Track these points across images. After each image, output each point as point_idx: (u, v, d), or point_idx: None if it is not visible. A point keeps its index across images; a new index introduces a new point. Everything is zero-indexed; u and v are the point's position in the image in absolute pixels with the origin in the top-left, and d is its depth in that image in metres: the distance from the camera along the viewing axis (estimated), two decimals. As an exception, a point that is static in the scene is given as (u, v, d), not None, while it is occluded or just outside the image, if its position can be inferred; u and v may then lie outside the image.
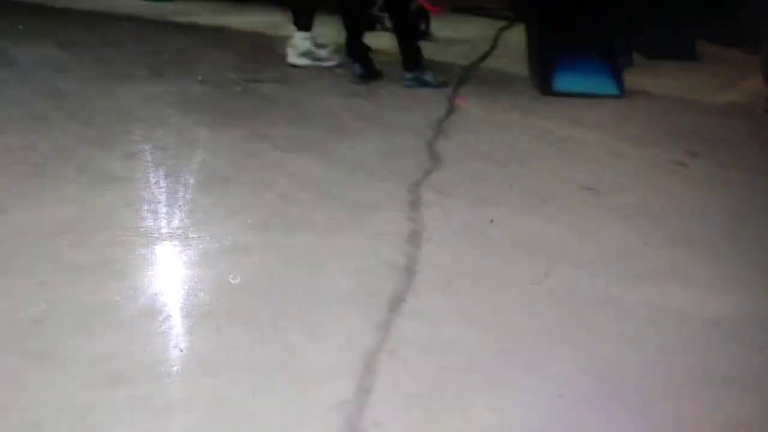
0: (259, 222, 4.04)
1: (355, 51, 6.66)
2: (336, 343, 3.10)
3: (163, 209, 4.04)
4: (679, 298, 3.68)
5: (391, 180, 4.68)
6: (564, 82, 6.73)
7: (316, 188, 4.51)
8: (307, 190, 4.47)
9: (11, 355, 2.90)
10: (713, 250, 4.16)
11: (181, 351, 3.01)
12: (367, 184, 4.63)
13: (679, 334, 3.40)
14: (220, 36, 7.71)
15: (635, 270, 3.90)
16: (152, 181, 4.37)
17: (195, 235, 3.81)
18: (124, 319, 3.16)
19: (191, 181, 4.39)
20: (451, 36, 8.38)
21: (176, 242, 3.76)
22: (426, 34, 8.05)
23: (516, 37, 8.35)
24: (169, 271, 3.61)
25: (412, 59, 6.59)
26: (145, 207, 4.05)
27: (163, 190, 4.26)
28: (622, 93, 6.84)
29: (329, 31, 7.13)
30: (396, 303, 3.40)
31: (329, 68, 6.87)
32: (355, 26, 6.69)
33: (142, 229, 3.82)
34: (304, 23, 6.89)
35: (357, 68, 6.61)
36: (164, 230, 3.84)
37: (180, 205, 4.09)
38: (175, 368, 2.91)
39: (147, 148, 4.82)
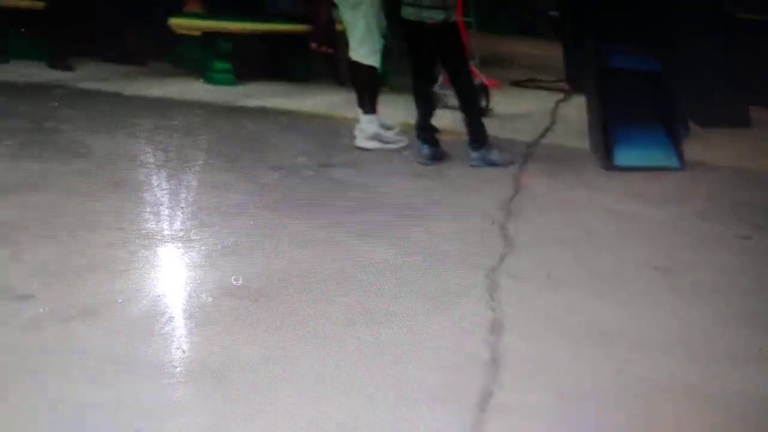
0: (342, 314, 4.03)
1: (423, 132, 6.66)
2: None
3: (250, 304, 4.06)
4: (764, 381, 3.61)
5: (467, 266, 4.66)
6: (625, 156, 6.68)
7: (394, 276, 4.50)
8: (385, 279, 4.46)
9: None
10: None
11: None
12: (444, 270, 4.62)
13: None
14: (288, 120, 7.74)
15: (714, 353, 3.84)
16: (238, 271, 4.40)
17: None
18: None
19: (276, 273, 4.41)
20: (510, 111, 8.36)
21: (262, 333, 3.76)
22: (487, 110, 8.05)
23: (573, 110, 8.35)
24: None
25: (478, 137, 6.59)
26: (235, 303, 4.06)
27: (246, 281, 4.28)
28: (682, 165, 6.78)
29: (395, 112, 7.14)
30: (484, 399, 3.36)
31: (397, 149, 6.87)
32: (423, 107, 6.70)
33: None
34: (369, 106, 6.92)
35: (425, 149, 6.61)
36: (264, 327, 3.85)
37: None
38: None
39: (230, 237, 4.85)
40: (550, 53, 12.43)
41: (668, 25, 7.18)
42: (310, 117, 7.93)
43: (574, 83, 9.18)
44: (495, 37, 11.96)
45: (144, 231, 4.91)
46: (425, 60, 6.74)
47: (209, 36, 9.13)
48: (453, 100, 7.78)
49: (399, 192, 5.95)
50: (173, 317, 3.89)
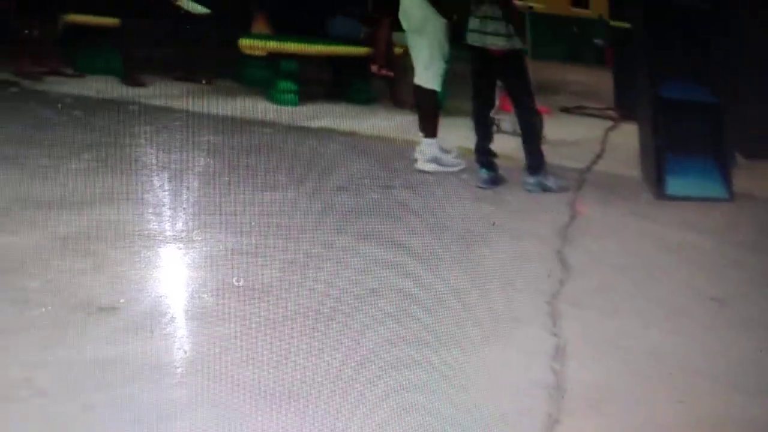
0: (411, 336, 4.02)
1: (482, 156, 6.65)
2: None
3: (321, 324, 4.05)
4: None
5: (528, 291, 4.64)
6: (677, 186, 6.62)
7: (458, 300, 4.49)
8: (450, 302, 4.45)
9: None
10: None
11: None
12: (505, 295, 4.60)
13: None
14: (351, 141, 7.75)
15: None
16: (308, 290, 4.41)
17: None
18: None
19: (345, 293, 4.41)
20: (560, 137, 8.32)
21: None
22: (542, 137, 8.01)
23: (622, 137, 8.34)
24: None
25: (536, 163, 6.57)
26: (306, 323, 4.06)
27: (317, 301, 4.29)
28: (731, 196, 6.72)
29: (452, 135, 7.13)
30: (550, 426, 3.34)
31: (455, 173, 6.86)
32: (482, 131, 6.68)
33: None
34: (429, 130, 6.91)
35: (483, 173, 6.59)
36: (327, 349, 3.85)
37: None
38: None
39: (300, 256, 4.85)
40: (596, 80, 12.46)
41: (717, 56, 7.11)
42: (371, 138, 7.94)
43: (624, 111, 9.13)
44: (540, 62, 11.97)
45: (215, 244, 4.93)
46: (486, 85, 6.73)
47: (274, 57, 9.16)
48: (507, 125, 7.81)
49: (459, 215, 5.94)
50: (240, 338, 3.88)
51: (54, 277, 4.23)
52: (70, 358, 3.42)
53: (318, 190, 6.16)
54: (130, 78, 9.23)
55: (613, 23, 9.95)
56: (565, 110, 9.89)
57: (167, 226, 5.19)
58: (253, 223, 5.37)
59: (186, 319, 3.94)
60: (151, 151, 6.70)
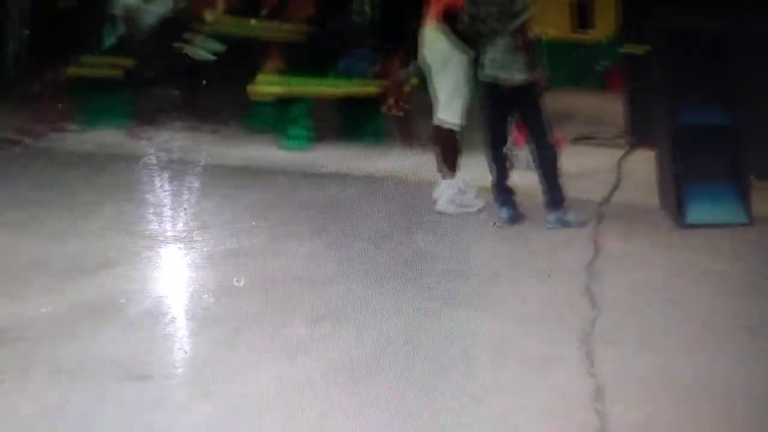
0: (454, 386, 4.06)
1: (501, 194, 6.70)
2: None
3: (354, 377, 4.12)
4: None
5: (560, 330, 4.69)
6: (697, 213, 6.62)
7: (492, 344, 4.55)
8: (484, 347, 4.51)
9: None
10: None
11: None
12: (539, 336, 4.66)
13: None
14: (367, 184, 7.74)
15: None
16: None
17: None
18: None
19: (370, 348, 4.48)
20: (574, 169, 8.34)
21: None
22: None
23: (637, 165, 8.38)
24: None
25: (556, 199, 6.58)
26: (339, 378, 4.12)
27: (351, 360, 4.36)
28: (750, 219, 6.75)
29: (471, 175, 7.18)
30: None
31: (475, 212, 6.92)
32: (498, 168, 6.74)
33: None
34: (449, 170, 6.97)
35: (503, 212, 6.63)
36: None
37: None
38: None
39: (328, 312, 4.92)
40: (601, 105, 12.47)
41: (732, 77, 7.14)
42: (387, 180, 7.97)
43: (637, 137, 9.17)
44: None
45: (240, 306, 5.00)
46: (500, 120, 6.79)
47: (284, 101, 9.22)
48: (520, 161, 7.83)
49: (483, 257, 6.01)
50: (284, 390, 3.94)
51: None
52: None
53: (337, 239, 6.22)
54: (137, 129, 9.28)
55: (626, 48, 9.88)
56: (576, 140, 9.86)
57: (182, 288, 5.31)
58: (278, 275, 5.44)
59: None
60: (168, 206, 6.76)
